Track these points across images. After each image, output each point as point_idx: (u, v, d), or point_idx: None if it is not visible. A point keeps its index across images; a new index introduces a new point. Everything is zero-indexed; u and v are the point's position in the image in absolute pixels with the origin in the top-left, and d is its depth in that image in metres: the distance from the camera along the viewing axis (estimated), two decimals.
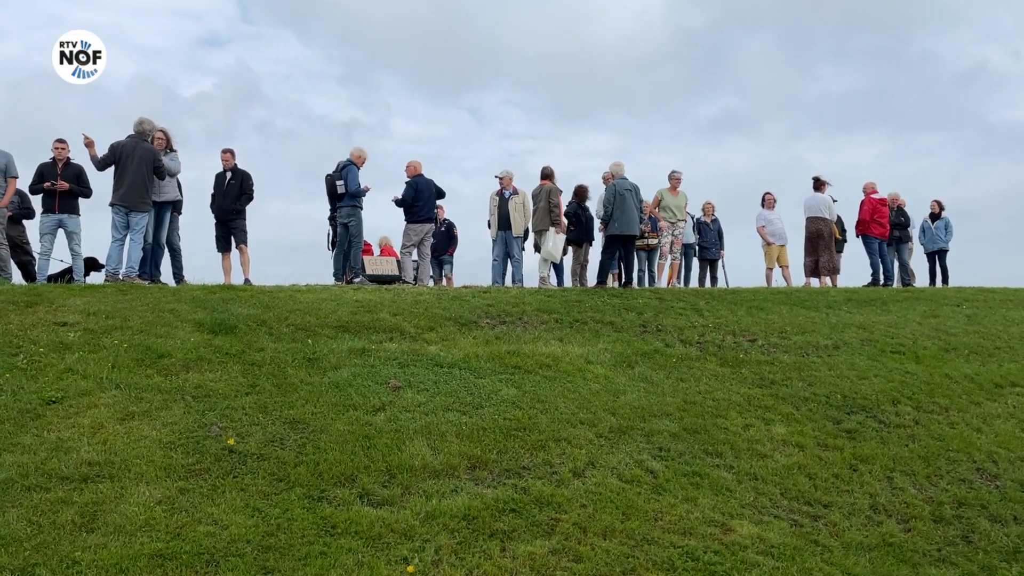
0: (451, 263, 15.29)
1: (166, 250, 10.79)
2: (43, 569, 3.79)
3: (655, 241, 13.41)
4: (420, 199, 11.89)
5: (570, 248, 12.99)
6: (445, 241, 14.88)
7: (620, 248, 11.78)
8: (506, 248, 12.57)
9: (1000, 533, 5.61)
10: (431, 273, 12.97)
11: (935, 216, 14.95)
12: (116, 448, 5.01)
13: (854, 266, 15.37)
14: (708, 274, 14.66)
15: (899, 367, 8.53)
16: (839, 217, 14.58)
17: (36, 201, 10.40)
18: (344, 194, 11.57)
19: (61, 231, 10.20)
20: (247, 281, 10.84)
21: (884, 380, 8.11)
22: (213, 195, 11.42)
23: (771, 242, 14.11)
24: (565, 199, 12.86)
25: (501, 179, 12.60)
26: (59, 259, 10.47)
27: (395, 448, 5.47)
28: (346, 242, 11.84)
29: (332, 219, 12.47)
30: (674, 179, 13.52)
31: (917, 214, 15.19)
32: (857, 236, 14.11)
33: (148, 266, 10.34)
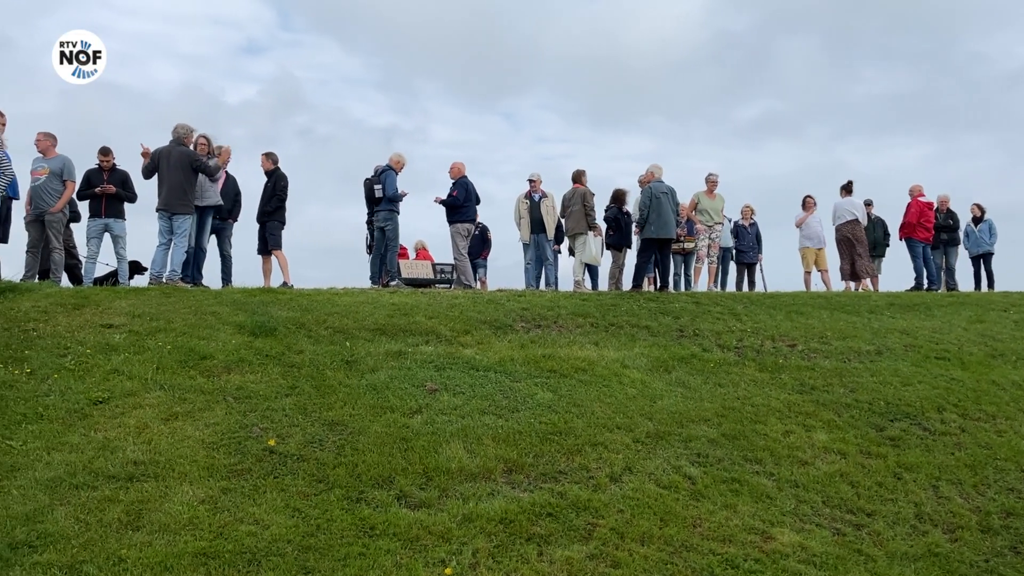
0: (485, 267, 15.33)
1: (207, 253, 11.00)
2: (91, 566, 3.87)
3: (691, 245, 13.31)
4: (468, 200, 11.98)
5: (607, 252, 12.94)
6: (479, 245, 14.91)
7: (656, 252, 11.70)
8: (539, 251, 12.57)
9: None
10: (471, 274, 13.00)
11: (977, 220, 14.59)
12: (161, 448, 5.12)
13: (896, 270, 15.09)
14: (746, 278, 14.48)
15: (944, 373, 8.33)
16: (882, 220, 14.31)
17: (83, 206, 10.68)
18: (382, 198, 11.67)
19: (107, 235, 10.46)
20: (285, 284, 10.99)
21: (929, 387, 7.93)
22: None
23: (808, 245, 13.91)
24: (602, 202, 12.83)
25: (533, 181, 12.60)
26: (104, 263, 10.74)
27: (432, 451, 5.50)
28: (383, 246, 11.95)
29: (370, 223, 12.59)
30: (711, 182, 13.40)
31: (964, 218, 14.86)
32: (901, 240, 13.83)
33: (190, 269, 10.54)
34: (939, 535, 5.43)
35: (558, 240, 13.28)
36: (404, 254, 14.05)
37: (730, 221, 14.21)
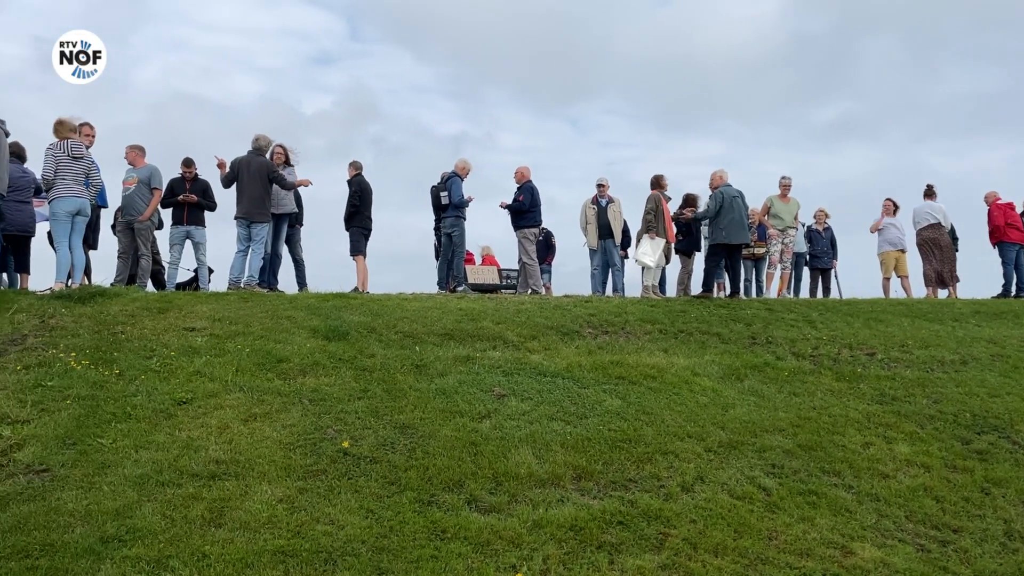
0: (550, 272, 15.31)
1: (283, 259, 11.33)
2: (176, 561, 4.02)
3: (763, 250, 13.00)
4: (534, 204, 12.01)
5: (675, 256, 12.76)
6: (543, 250, 14.90)
7: (725, 257, 11.47)
8: (606, 257, 12.48)
9: None
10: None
11: None
12: (241, 448, 5.28)
13: (975, 277, 14.42)
14: (820, 284, 14.04)
15: None
16: (951, 226, 13.70)
17: (166, 214, 11.15)
18: (448, 205, 11.80)
19: (188, 242, 10.90)
20: (356, 289, 11.24)
21: (1018, 398, 7.55)
22: None
23: (887, 250, 13.41)
24: (673, 207, 12.64)
25: (602, 186, 12.52)
26: (185, 268, 11.18)
27: (501, 456, 5.52)
28: (450, 251, 12.07)
29: (437, 229, 12.75)
30: (784, 185, 13.07)
31: None
32: (993, 246, 13.20)
33: (267, 275, 10.87)
34: None
35: (624, 245, 13.16)
36: (470, 259, 14.17)
37: (803, 226, 13.83)
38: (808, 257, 13.93)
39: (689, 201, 12.62)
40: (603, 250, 12.42)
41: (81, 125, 9.51)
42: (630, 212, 12.88)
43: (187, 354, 6.87)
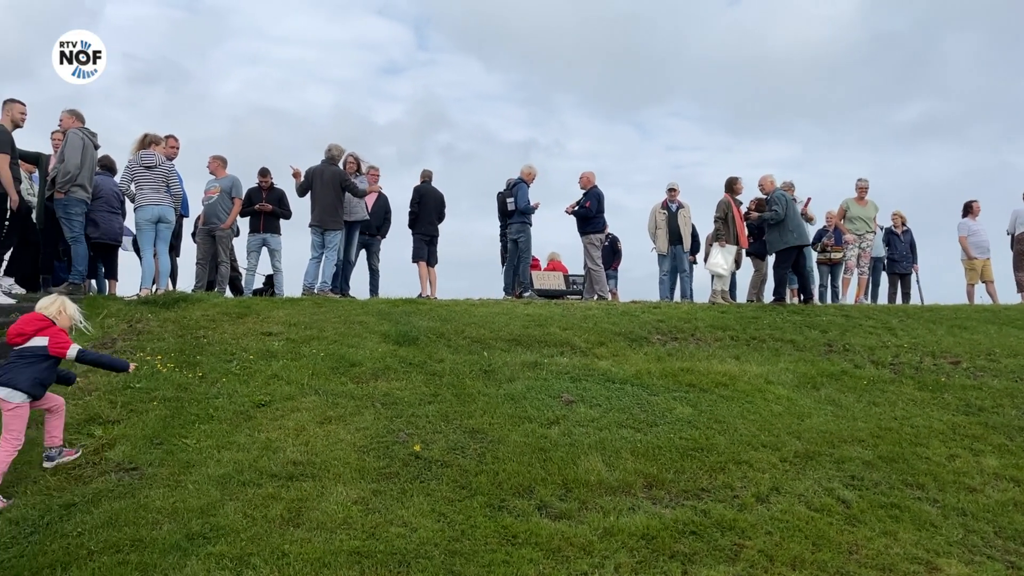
0: (616, 278, 15.20)
1: (354, 266, 11.58)
2: (257, 559, 4.14)
3: (839, 255, 12.62)
4: (600, 210, 11.98)
5: (743, 260, 12.49)
6: (609, 256, 14.81)
7: (794, 261, 11.12)
8: (675, 262, 12.32)
9: None
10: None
11: None
12: (316, 449, 5.42)
13: None
14: (899, 289, 13.53)
15: None
16: None
17: (243, 222, 11.54)
18: (514, 211, 11.85)
19: (264, 249, 11.25)
20: (420, 295, 11.42)
21: None
22: None
23: (974, 256, 12.82)
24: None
25: (673, 191, 12.38)
26: (261, 273, 11.55)
27: (571, 462, 5.50)
28: (515, 257, 12.12)
29: (503, 235, 12.82)
30: (860, 187, 12.66)
31: None
32: None
33: (339, 281, 11.13)
34: None
35: (693, 251, 12.97)
36: (536, 265, 14.19)
37: (882, 229, 13.36)
38: (887, 262, 13.45)
39: (760, 206, 12.32)
40: (672, 255, 12.27)
41: (166, 137, 9.93)
42: (699, 217, 12.74)
43: (265, 358, 7.09)
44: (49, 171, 9.15)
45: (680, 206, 12.30)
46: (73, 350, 5.12)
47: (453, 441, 5.73)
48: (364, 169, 11.62)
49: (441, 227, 12.23)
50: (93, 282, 10.57)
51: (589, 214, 11.93)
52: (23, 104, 8.63)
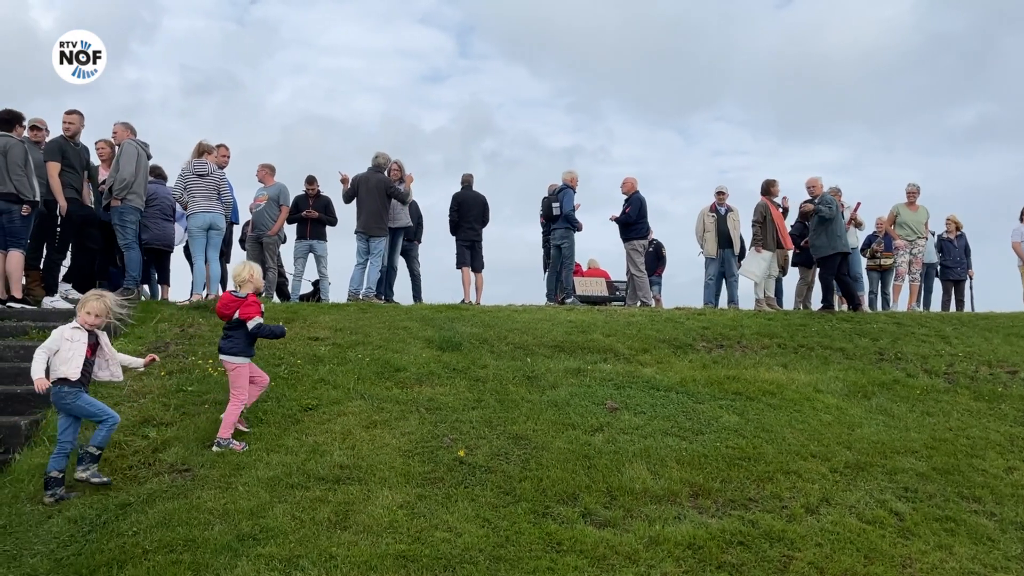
0: (660, 284, 15.08)
1: (397, 272, 11.71)
2: (306, 561, 4.20)
3: (889, 261, 12.33)
4: (642, 216, 11.92)
5: (794, 269, 12.29)
6: (653, 262, 14.71)
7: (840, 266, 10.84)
8: (723, 267, 12.17)
9: None
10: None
11: None
12: (363, 453, 5.48)
13: None
14: (953, 297, 13.15)
15: None
16: None
17: (290, 229, 11.77)
18: (559, 216, 11.84)
19: (311, 255, 11.44)
20: (463, 301, 11.48)
21: None
22: None
23: None
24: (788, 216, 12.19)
25: (721, 194, 12.24)
26: (308, 279, 11.75)
27: (615, 470, 5.47)
28: (559, 263, 12.11)
29: (546, 242, 12.82)
30: (910, 192, 12.36)
31: None
32: None
33: (383, 287, 11.26)
34: None
35: (741, 256, 12.82)
36: (577, 271, 14.15)
37: (934, 235, 13.01)
38: (939, 268, 13.10)
39: (805, 213, 12.07)
40: (721, 260, 12.10)
41: (218, 146, 10.18)
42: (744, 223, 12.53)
43: (312, 362, 7.20)
44: (104, 180, 9.43)
45: (729, 209, 12.15)
46: (253, 323, 5.79)
47: (497, 447, 5.74)
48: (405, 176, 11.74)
49: (485, 232, 12.27)
50: (146, 287, 10.87)
51: (629, 220, 11.86)
52: (70, 114, 8.92)
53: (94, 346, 5.23)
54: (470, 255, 12.07)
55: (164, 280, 10.70)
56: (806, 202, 11.29)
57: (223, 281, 10.76)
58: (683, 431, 6.24)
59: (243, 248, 11.43)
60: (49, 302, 8.58)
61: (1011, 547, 4.96)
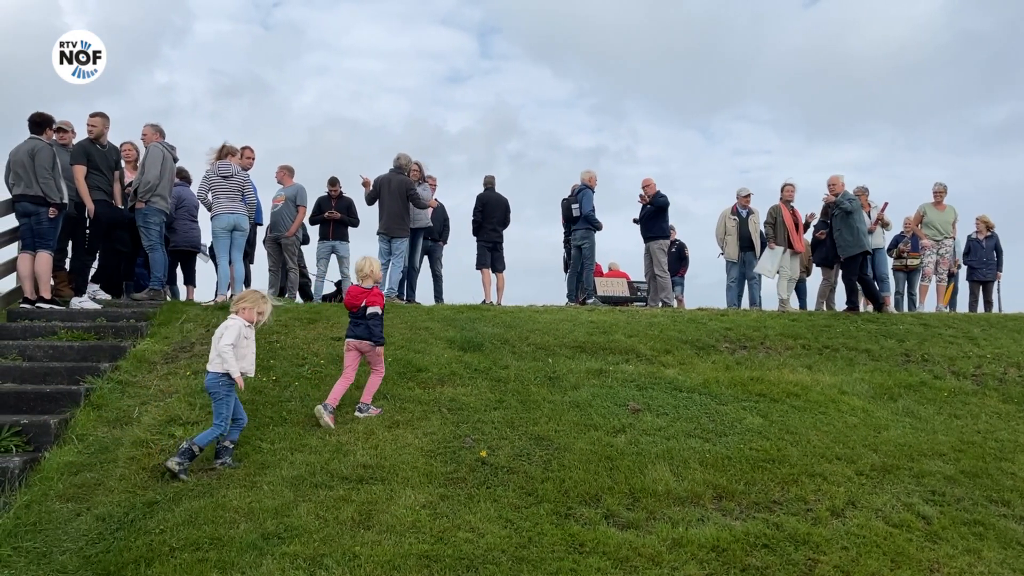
0: (682, 285, 15.01)
1: (419, 272, 11.75)
2: (330, 560, 4.23)
3: (916, 261, 12.17)
4: (666, 215, 11.89)
5: (817, 269, 12.17)
6: (676, 262, 14.64)
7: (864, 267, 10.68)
8: (744, 269, 12.09)
9: None
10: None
11: None
12: (385, 453, 5.51)
13: None
14: (981, 298, 12.94)
15: None
16: None
17: (312, 230, 11.85)
18: (579, 217, 11.82)
19: (333, 256, 11.52)
20: (484, 302, 11.50)
21: None
22: None
23: None
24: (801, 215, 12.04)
25: (746, 196, 12.15)
26: (331, 280, 11.82)
27: (637, 471, 5.45)
28: (579, 264, 12.08)
29: (567, 242, 12.80)
30: (937, 192, 12.18)
31: None
32: None
33: (404, 287, 11.30)
34: None
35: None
36: (598, 272, 14.12)
37: (967, 238, 12.79)
38: (967, 269, 12.90)
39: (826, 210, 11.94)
40: (742, 262, 12.02)
41: (243, 148, 10.28)
42: None
43: (335, 362, 7.24)
44: (130, 183, 9.56)
45: (751, 212, 12.06)
46: (372, 310, 6.35)
47: (519, 447, 5.74)
48: (430, 180, 11.79)
49: (506, 232, 12.28)
50: (172, 287, 11.00)
51: (661, 203, 11.79)
52: (93, 116, 9.03)
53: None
54: (491, 256, 12.09)
55: (190, 281, 10.82)
56: (826, 203, 11.19)
57: (247, 282, 10.86)
58: (706, 433, 6.20)
59: (265, 249, 11.51)
60: (78, 303, 8.71)
61: None
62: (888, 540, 4.79)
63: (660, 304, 11.74)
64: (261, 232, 11.86)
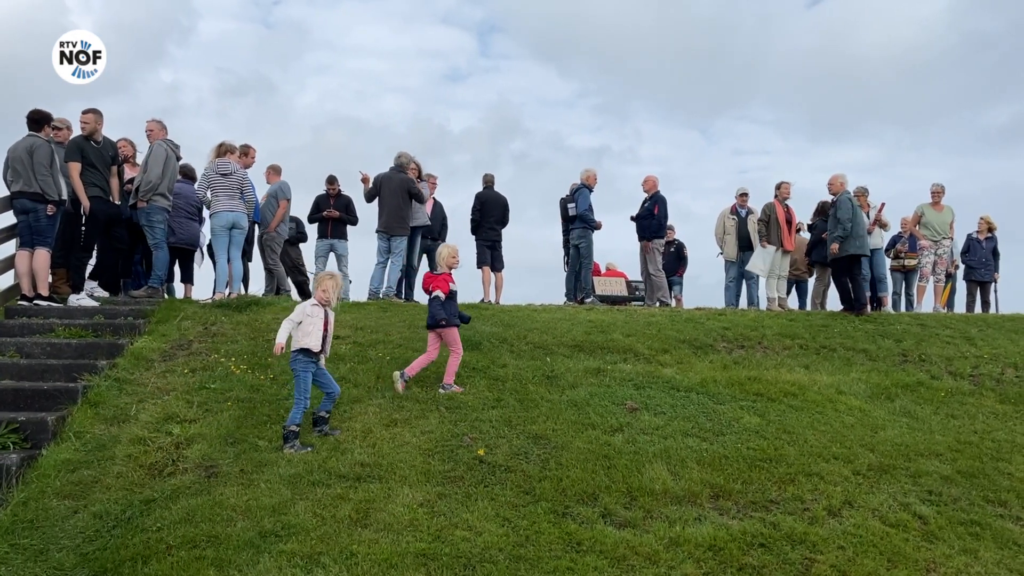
0: (680, 284, 15.01)
1: (417, 271, 11.73)
2: (327, 558, 4.23)
3: (913, 262, 12.18)
4: (664, 215, 11.88)
5: (806, 268, 12.18)
6: (675, 262, 14.65)
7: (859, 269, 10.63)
8: (742, 268, 12.10)
9: None
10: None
11: None
12: (383, 452, 5.51)
13: None
14: (978, 298, 12.95)
15: None
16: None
17: (312, 229, 11.85)
18: (576, 216, 11.82)
19: (332, 254, 11.51)
20: (482, 301, 11.49)
21: None
22: None
23: None
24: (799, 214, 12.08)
25: (743, 195, 12.16)
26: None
27: (635, 470, 5.45)
28: (577, 263, 12.08)
29: (566, 242, 12.79)
30: (935, 192, 12.19)
31: None
32: None
33: (402, 286, 11.29)
34: None
35: None
36: (596, 271, 14.11)
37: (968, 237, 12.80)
38: (964, 268, 12.92)
39: (823, 210, 11.97)
40: (741, 262, 12.04)
41: (242, 146, 10.27)
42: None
43: (332, 361, 7.22)
44: (133, 181, 9.54)
45: (750, 211, 12.07)
46: (434, 294, 6.89)
47: (517, 446, 5.74)
48: (424, 176, 11.77)
49: (507, 233, 12.28)
50: (171, 285, 10.98)
51: (651, 216, 11.80)
52: (86, 113, 9.00)
53: (327, 322, 5.94)
54: (491, 255, 12.08)
55: (188, 279, 10.80)
56: (818, 206, 11.27)
57: (245, 280, 10.85)
58: (703, 432, 6.21)
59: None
60: (75, 300, 8.70)
61: None
62: (885, 540, 4.80)
63: (657, 303, 11.75)
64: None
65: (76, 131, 9.20)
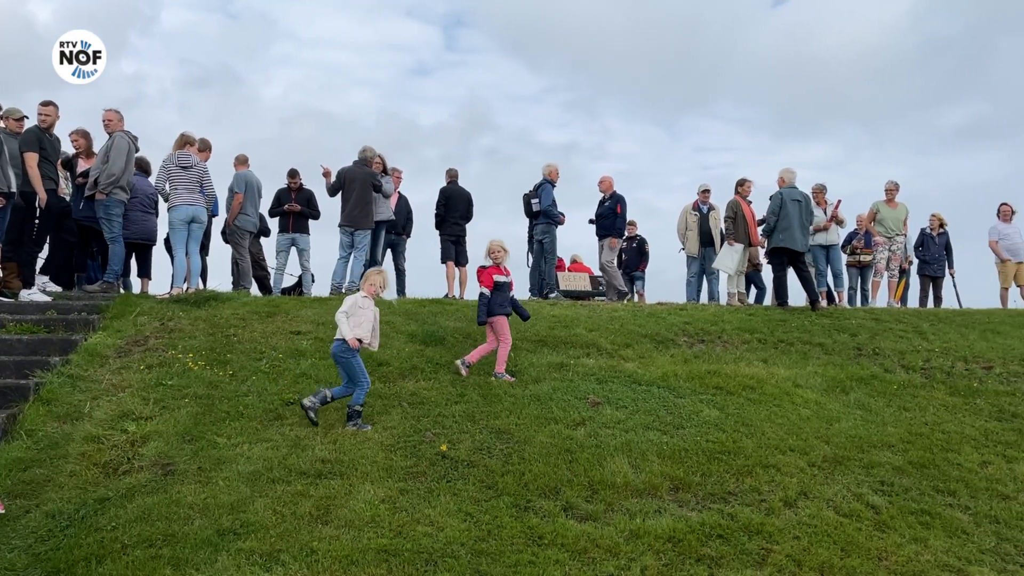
0: (643, 279, 15.13)
1: (381, 265, 11.65)
2: (286, 555, 4.20)
3: (868, 257, 12.45)
4: (623, 214, 12.00)
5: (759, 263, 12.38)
6: (636, 258, 14.78)
7: (788, 263, 10.76)
8: (704, 264, 12.25)
9: None
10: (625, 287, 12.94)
11: None
12: (345, 448, 5.48)
13: None
14: (931, 293, 13.29)
15: None
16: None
17: (273, 223, 11.67)
18: (539, 211, 11.85)
19: (293, 248, 11.36)
20: (446, 295, 11.46)
21: None
22: None
23: (1006, 259, 12.58)
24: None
25: (704, 191, 12.31)
26: (290, 273, 11.66)
27: (596, 464, 5.51)
28: (541, 258, 12.11)
29: (531, 237, 12.81)
30: (889, 190, 12.46)
31: None
32: None
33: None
34: None
35: None
36: (560, 266, 14.17)
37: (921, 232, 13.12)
38: (918, 263, 13.25)
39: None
40: (703, 258, 12.18)
41: (200, 139, 10.07)
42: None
43: (294, 356, 7.17)
44: (90, 172, 9.30)
45: (711, 208, 12.22)
46: (480, 291, 7.45)
47: (479, 441, 5.75)
48: (389, 169, 11.68)
49: (475, 228, 12.27)
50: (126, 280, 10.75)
51: (624, 209, 11.94)
52: (46, 106, 8.80)
53: (375, 314, 6.21)
54: (455, 250, 12.05)
55: (145, 274, 10.58)
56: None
57: (203, 275, 10.66)
58: (664, 425, 6.28)
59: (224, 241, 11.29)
60: (27, 295, 8.48)
61: (985, 540, 5.05)
62: (839, 530, 4.92)
63: (616, 295, 11.86)
64: (218, 224, 11.66)
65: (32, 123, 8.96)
